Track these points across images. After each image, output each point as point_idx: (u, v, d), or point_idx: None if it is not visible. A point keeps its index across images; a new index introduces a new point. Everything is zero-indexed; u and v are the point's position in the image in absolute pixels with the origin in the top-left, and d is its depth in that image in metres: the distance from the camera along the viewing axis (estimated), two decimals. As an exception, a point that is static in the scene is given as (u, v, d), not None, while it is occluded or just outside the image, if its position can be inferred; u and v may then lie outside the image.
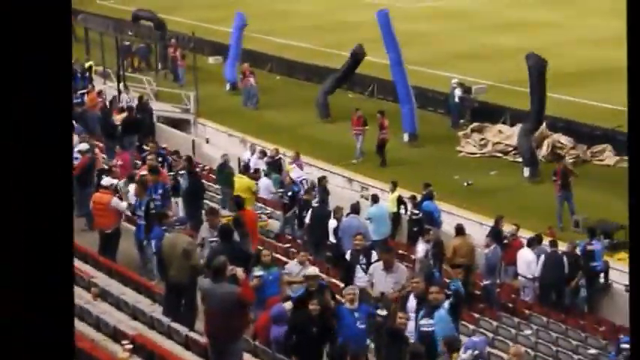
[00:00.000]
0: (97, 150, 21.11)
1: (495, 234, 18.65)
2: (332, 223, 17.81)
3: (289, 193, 19.91)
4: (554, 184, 22.66)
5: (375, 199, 20.07)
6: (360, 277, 13.65)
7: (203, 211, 18.62)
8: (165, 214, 15.06)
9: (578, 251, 18.26)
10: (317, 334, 10.93)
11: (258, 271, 12.47)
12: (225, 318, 10.55)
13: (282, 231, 19.83)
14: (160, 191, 16.67)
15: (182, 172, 19.85)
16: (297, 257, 13.59)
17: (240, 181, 19.94)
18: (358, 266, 13.87)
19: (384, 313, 11.09)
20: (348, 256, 14.21)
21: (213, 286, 10.69)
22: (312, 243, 17.29)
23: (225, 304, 10.53)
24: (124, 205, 15.99)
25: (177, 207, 17.78)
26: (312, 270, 12.73)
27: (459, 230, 17.91)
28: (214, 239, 13.77)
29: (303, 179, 23.04)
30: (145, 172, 17.82)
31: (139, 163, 20.82)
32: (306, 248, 14.77)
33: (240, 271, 10.92)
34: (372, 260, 13.98)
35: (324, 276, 14.27)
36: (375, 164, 26.89)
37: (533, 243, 18.51)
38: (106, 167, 19.15)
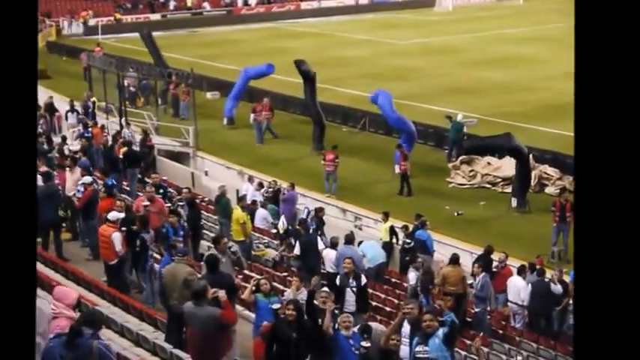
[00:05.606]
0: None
1: (485, 262, 18.91)
2: (331, 253, 18.13)
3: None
4: (553, 215, 22.86)
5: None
6: (350, 301, 13.96)
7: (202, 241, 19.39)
8: (175, 245, 15.24)
9: (568, 278, 18.53)
10: (295, 339, 10.76)
11: (261, 299, 12.64)
12: (207, 339, 10.75)
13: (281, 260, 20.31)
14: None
15: (181, 203, 20.47)
16: (293, 284, 13.76)
17: (236, 213, 20.19)
18: (348, 289, 14.10)
19: (367, 344, 10.94)
20: (337, 281, 14.44)
21: (195, 309, 10.87)
22: (305, 271, 17.70)
23: (206, 326, 10.73)
24: (119, 243, 16.17)
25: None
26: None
27: (453, 259, 18.21)
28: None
29: (306, 208, 23.65)
30: (146, 203, 18.39)
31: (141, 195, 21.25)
32: (300, 276, 15.17)
33: (222, 294, 10.94)
34: (362, 284, 14.31)
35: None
36: (367, 196, 27.31)
37: (523, 271, 18.90)
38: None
